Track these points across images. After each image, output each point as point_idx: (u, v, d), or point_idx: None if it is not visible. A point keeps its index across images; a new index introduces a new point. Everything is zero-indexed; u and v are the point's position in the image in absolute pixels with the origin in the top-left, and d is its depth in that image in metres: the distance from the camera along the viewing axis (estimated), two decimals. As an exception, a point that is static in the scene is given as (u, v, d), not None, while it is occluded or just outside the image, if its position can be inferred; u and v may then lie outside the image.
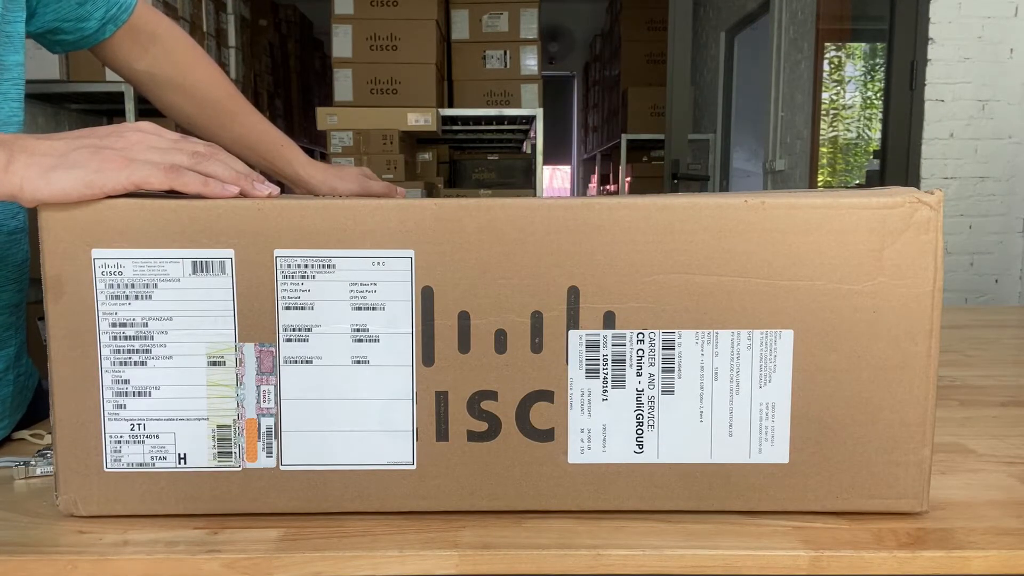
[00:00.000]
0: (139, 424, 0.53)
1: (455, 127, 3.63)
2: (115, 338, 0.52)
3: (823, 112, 3.97)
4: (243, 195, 0.54)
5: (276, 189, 0.55)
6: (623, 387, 0.53)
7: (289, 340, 0.52)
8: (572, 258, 0.52)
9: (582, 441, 0.54)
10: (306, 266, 0.52)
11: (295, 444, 0.53)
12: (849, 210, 0.52)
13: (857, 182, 4.03)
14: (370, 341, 0.53)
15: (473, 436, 0.54)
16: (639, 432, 0.54)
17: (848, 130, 4.17)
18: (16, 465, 0.61)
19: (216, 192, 0.52)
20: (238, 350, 0.52)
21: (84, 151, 0.51)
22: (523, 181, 3.78)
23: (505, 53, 3.39)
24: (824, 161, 4.07)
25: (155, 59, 0.90)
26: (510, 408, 0.53)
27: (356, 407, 0.53)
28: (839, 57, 4.15)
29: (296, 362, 0.53)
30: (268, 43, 4.34)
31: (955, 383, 0.91)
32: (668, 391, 0.54)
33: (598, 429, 0.54)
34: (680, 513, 0.55)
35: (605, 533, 0.52)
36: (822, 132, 3.97)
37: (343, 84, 3.14)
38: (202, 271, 0.51)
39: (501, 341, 0.53)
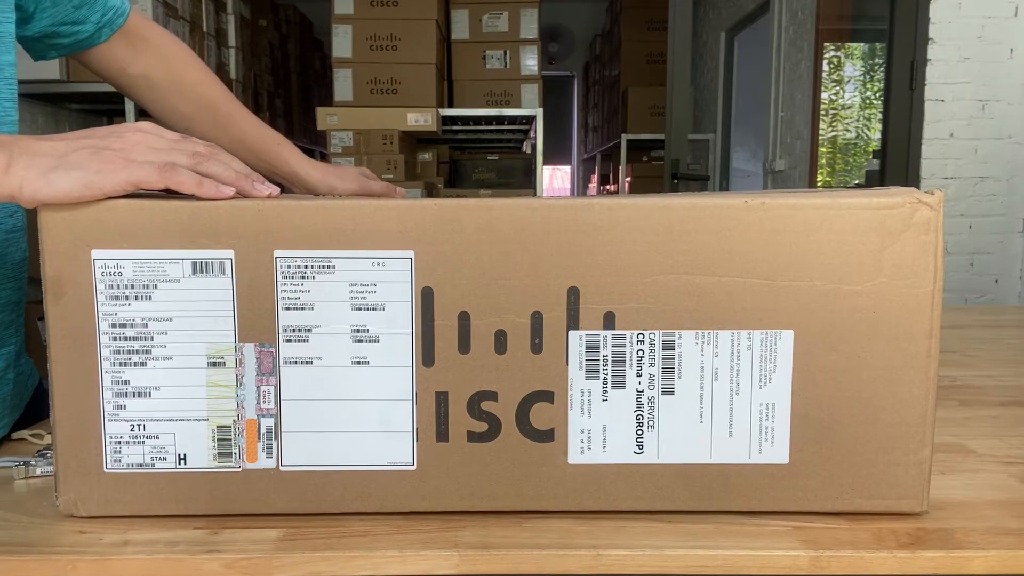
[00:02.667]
0: (139, 425, 0.53)
1: (455, 127, 3.63)
2: (115, 339, 0.52)
3: (823, 112, 3.97)
4: (242, 195, 0.53)
5: (276, 189, 0.55)
6: (623, 387, 0.53)
7: (289, 341, 0.52)
8: (572, 258, 0.52)
9: (582, 441, 0.54)
10: (306, 266, 0.52)
11: (295, 445, 0.53)
12: (849, 210, 0.52)
13: (857, 182, 4.03)
14: (370, 341, 0.53)
15: (473, 436, 0.54)
16: (639, 432, 0.54)
17: (848, 130, 4.17)
18: (16, 465, 0.61)
19: (211, 193, 0.52)
20: (238, 350, 0.52)
21: (83, 152, 0.51)
22: (523, 181, 3.78)
23: (505, 53, 3.39)
24: (824, 161, 4.07)
25: (149, 63, 0.90)
26: (510, 408, 0.53)
27: (356, 407, 0.53)
28: (839, 57, 4.15)
29: (296, 363, 0.53)
30: (268, 43, 4.34)
31: (955, 383, 0.91)
32: (668, 391, 0.54)
33: (598, 429, 0.54)
34: (680, 513, 0.55)
35: (605, 533, 0.52)
36: (822, 132, 3.97)
37: (343, 84, 3.14)
38: (202, 271, 0.51)
39: (501, 341, 0.53)
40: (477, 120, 3.48)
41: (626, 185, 5.28)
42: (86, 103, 3.00)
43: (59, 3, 0.81)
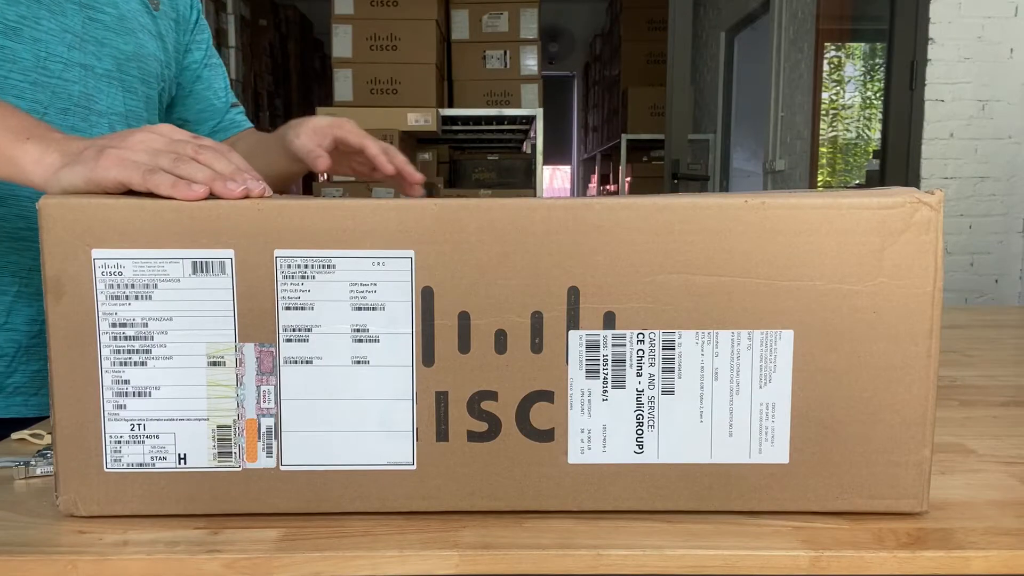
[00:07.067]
0: (139, 424, 0.53)
1: (455, 127, 3.63)
2: (115, 338, 0.52)
3: (823, 112, 3.97)
4: (213, 196, 0.52)
5: (258, 189, 0.53)
6: (623, 387, 0.53)
7: (289, 340, 0.52)
8: (572, 258, 0.52)
9: (582, 441, 0.54)
10: (306, 266, 0.52)
11: (295, 444, 0.53)
12: (849, 210, 0.52)
13: (857, 182, 4.03)
14: (370, 341, 0.53)
15: (473, 436, 0.54)
16: (639, 432, 0.54)
17: (848, 130, 4.17)
18: (16, 465, 0.61)
19: (184, 193, 0.51)
20: (238, 350, 0.52)
21: (92, 150, 0.55)
22: (523, 181, 3.78)
23: (505, 53, 3.39)
24: (824, 161, 4.07)
25: None
26: (510, 408, 0.53)
27: (356, 407, 0.53)
28: (839, 57, 4.15)
29: (296, 362, 0.53)
30: (268, 43, 4.34)
31: (955, 383, 0.91)
32: (668, 391, 0.54)
33: (598, 429, 0.54)
34: (680, 513, 0.55)
35: (605, 533, 0.52)
36: (822, 132, 3.97)
37: (343, 84, 3.14)
38: (202, 271, 0.51)
39: (501, 341, 0.53)
40: (477, 120, 3.48)
41: (626, 185, 5.28)
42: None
43: (189, 103, 1.01)
